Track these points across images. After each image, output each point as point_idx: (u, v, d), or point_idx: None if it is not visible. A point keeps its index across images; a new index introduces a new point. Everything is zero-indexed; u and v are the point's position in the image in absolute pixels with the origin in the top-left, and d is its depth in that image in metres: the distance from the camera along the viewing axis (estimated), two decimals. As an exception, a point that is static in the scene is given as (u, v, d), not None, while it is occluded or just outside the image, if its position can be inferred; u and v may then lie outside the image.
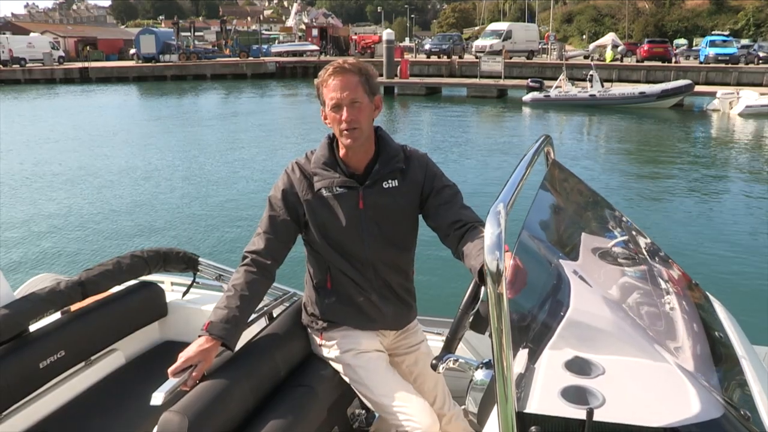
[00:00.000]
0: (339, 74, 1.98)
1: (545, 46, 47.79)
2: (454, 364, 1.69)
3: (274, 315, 2.42)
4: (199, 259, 2.93)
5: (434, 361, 1.71)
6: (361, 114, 1.99)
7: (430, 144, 17.31)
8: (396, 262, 2.15)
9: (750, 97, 23.33)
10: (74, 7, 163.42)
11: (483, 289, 1.71)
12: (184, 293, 3.01)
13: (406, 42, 57.04)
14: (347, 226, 2.05)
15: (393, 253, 2.13)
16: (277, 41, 59.30)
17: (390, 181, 2.08)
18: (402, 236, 2.14)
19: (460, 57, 43.98)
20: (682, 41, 52.89)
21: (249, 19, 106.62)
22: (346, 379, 2.16)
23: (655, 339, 1.50)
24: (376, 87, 2.07)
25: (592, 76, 25.47)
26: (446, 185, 2.10)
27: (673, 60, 38.37)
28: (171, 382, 1.80)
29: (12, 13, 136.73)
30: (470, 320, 1.70)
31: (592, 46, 39.34)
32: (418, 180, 2.10)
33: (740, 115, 22.93)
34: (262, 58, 48.10)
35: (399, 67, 32.27)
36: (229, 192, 11.74)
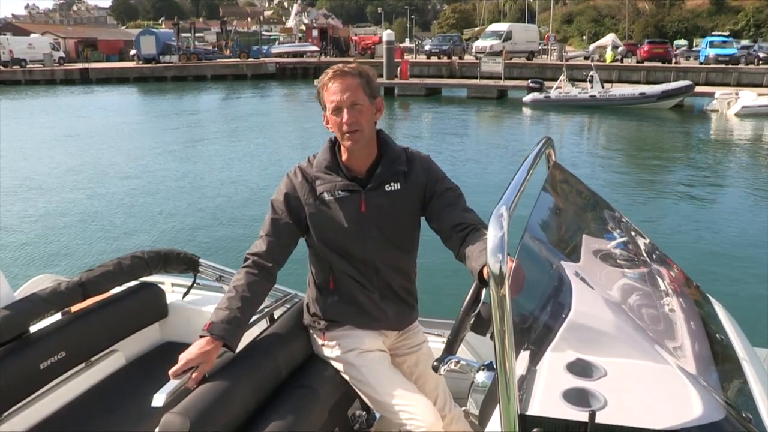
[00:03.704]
0: (339, 77, 1.99)
1: (545, 47, 47.81)
2: (455, 365, 1.69)
3: (275, 316, 2.42)
4: (200, 260, 2.93)
5: (436, 363, 1.71)
6: (361, 116, 1.99)
7: (429, 145, 17.30)
8: (398, 264, 2.16)
9: (748, 97, 23.44)
10: (74, 7, 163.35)
11: (484, 291, 1.71)
12: (185, 294, 3.00)
13: (407, 43, 57.08)
14: (349, 229, 2.05)
15: (395, 255, 2.13)
16: (277, 42, 59.26)
17: (392, 184, 2.08)
18: (404, 238, 2.14)
19: (460, 58, 43.93)
20: (682, 42, 52.88)
21: (249, 19, 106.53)
22: (348, 379, 2.16)
23: (656, 341, 1.50)
24: (377, 89, 2.07)
25: (592, 76, 25.47)
26: (449, 187, 2.10)
27: (673, 61, 38.37)
28: (172, 384, 1.81)
29: (12, 14, 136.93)
30: (471, 322, 1.70)
31: (592, 46, 39.34)
32: (420, 182, 2.10)
33: (737, 115, 23.02)
34: (262, 59, 48.07)
35: (399, 68, 32.24)
36: (230, 193, 11.74)
